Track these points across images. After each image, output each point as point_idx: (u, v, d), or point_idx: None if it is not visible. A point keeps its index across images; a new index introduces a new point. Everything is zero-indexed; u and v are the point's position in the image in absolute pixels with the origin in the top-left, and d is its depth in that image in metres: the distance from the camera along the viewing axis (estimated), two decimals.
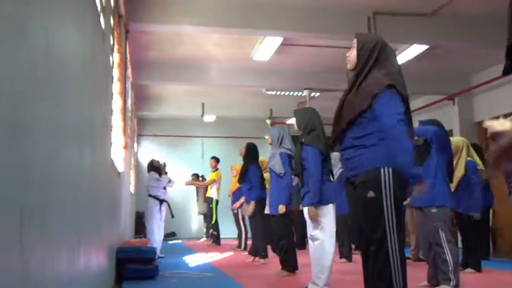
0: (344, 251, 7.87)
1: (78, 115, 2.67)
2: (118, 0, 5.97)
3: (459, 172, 6.03)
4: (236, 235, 11.18)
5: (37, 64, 1.71)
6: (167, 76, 10.41)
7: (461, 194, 6.16)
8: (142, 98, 12.82)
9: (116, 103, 5.93)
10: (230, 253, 9.59)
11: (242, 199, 8.84)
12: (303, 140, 4.88)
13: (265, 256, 7.59)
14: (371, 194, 2.79)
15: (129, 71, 8.64)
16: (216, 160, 11.69)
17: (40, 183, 1.77)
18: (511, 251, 9.11)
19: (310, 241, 4.89)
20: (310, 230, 4.83)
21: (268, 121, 13.25)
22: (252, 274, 6.44)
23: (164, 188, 8.72)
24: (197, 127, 15.14)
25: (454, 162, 5.62)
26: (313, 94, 11.77)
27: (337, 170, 6.87)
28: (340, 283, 5.33)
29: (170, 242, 13.06)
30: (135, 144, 14.15)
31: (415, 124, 4.81)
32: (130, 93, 9.51)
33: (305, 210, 4.81)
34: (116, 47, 5.84)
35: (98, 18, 3.67)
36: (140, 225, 14.29)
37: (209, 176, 12.00)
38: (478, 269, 6.41)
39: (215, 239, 11.81)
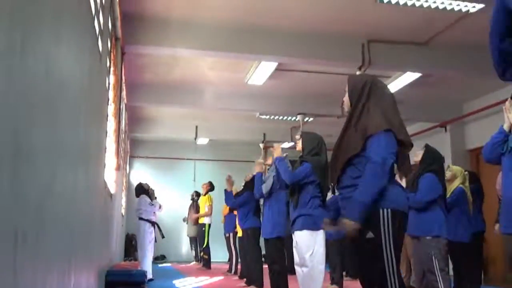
0: (335, 277, 7.80)
1: (74, 138, 2.66)
2: (115, 22, 6.01)
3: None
4: (226, 259, 11.09)
5: (38, 90, 1.71)
6: (161, 98, 10.41)
7: (452, 221, 6.15)
8: (135, 120, 12.81)
9: (110, 124, 5.93)
10: (220, 277, 9.49)
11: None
12: (304, 159, 4.86)
13: (259, 286, 7.41)
14: (370, 235, 2.78)
15: (123, 92, 8.65)
16: (211, 186, 11.68)
17: (36, 208, 1.76)
18: (503, 279, 9.08)
19: (297, 268, 4.82)
20: (300, 256, 4.77)
21: (261, 145, 13.25)
22: None
23: (154, 212, 8.71)
24: (190, 149, 15.09)
25: (448, 189, 5.65)
26: (306, 119, 11.83)
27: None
28: None
29: (160, 265, 12.92)
30: (127, 166, 14.09)
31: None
32: (124, 114, 9.51)
33: (297, 234, 4.77)
34: (112, 69, 5.86)
35: (97, 42, 3.69)
36: (130, 247, 14.20)
37: (200, 200, 11.96)
38: None
39: (205, 262, 11.69)
